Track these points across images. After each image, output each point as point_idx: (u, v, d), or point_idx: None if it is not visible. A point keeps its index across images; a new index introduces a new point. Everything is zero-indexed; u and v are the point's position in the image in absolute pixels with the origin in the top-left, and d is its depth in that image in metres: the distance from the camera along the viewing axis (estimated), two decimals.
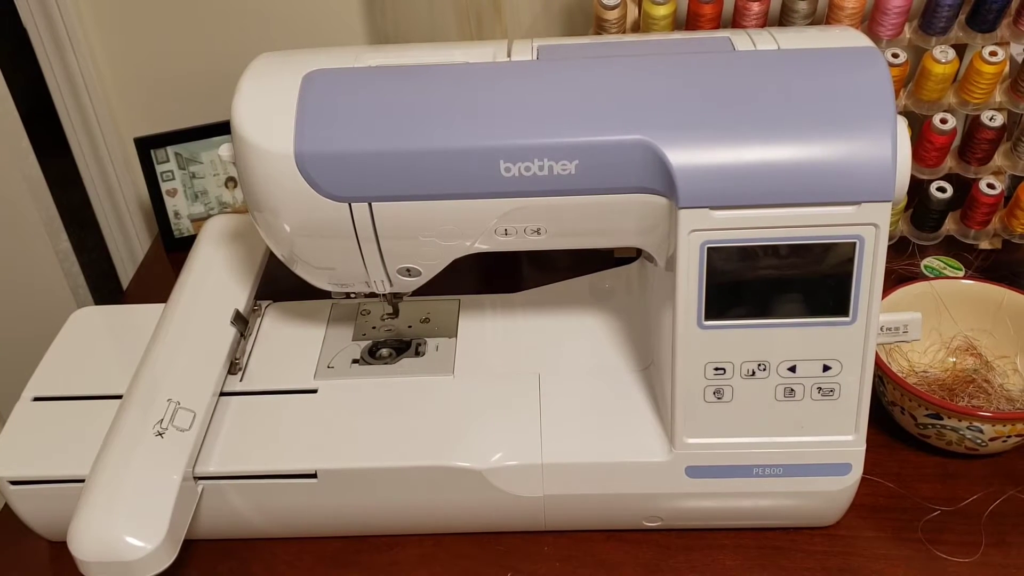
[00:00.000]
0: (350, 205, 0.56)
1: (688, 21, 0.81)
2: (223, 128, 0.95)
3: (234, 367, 0.68)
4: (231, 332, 0.68)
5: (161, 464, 0.59)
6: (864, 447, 0.60)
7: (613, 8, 0.79)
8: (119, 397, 0.64)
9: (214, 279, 0.72)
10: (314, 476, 0.61)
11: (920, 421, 0.66)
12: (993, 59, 0.78)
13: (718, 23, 0.81)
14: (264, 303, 0.75)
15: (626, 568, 0.63)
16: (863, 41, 0.55)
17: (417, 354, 0.69)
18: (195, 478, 0.61)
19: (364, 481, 0.62)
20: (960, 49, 0.81)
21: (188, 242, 0.81)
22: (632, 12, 0.82)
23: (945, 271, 0.84)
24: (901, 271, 0.84)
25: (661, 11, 0.78)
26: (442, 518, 0.65)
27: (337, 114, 0.54)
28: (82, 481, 0.58)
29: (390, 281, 0.62)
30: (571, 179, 0.54)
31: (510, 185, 0.54)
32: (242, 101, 0.56)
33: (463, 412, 0.64)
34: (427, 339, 0.70)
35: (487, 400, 0.65)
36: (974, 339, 0.74)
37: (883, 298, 0.65)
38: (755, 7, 0.79)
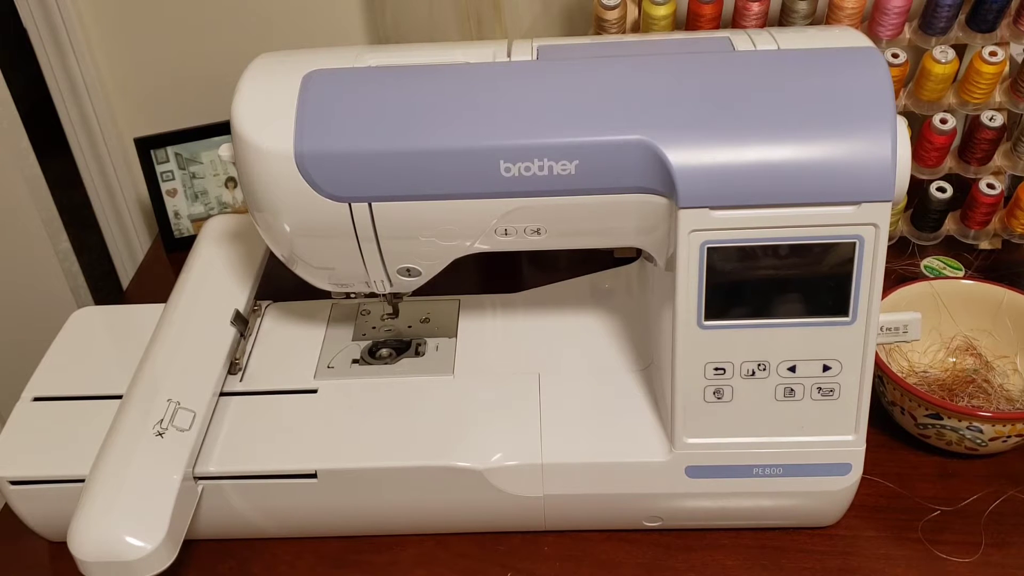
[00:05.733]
0: (350, 205, 0.56)
1: (688, 21, 0.81)
2: (223, 128, 0.95)
3: (234, 367, 0.68)
4: (231, 332, 0.68)
5: (161, 464, 0.59)
6: (864, 447, 0.60)
7: (613, 8, 0.79)
8: (119, 397, 0.64)
9: (214, 279, 0.72)
10: (314, 476, 0.61)
11: (920, 421, 0.66)
12: (993, 59, 0.78)
13: (718, 23, 0.81)
14: (264, 303, 0.75)
15: (626, 568, 0.63)
16: (863, 41, 0.55)
17: (417, 354, 0.69)
18: (195, 478, 0.61)
19: (364, 481, 0.62)
20: (960, 49, 0.81)
21: (188, 242, 0.81)
22: (632, 12, 0.82)
23: (945, 271, 0.84)
24: (901, 271, 0.84)
25: (661, 11, 0.78)
26: (442, 518, 0.65)
27: (337, 114, 0.54)
28: (82, 481, 0.58)
29: (390, 281, 0.62)
30: (571, 179, 0.54)
31: (510, 185, 0.54)
32: (242, 101, 0.56)
33: (463, 412, 0.64)
34: (427, 339, 0.70)
35: (487, 400, 0.65)
36: (974, 339, 0.74)
37: (883, 298, 0.65)
38: (755, 7, 0.79)
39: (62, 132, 0.97)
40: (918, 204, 0.85)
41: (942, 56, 0.79)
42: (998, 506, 0.65)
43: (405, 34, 0.90)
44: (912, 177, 0.66)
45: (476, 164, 0.53)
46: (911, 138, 0.72)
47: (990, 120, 0.80)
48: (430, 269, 0.62)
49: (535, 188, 0.54)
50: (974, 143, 0.82)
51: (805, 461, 0.60)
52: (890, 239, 0.85)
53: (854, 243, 0.53)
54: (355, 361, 0.69)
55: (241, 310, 0.70)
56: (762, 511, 0.63)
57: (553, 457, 0.61)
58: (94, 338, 0.73)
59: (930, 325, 0.74)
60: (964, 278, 0.77)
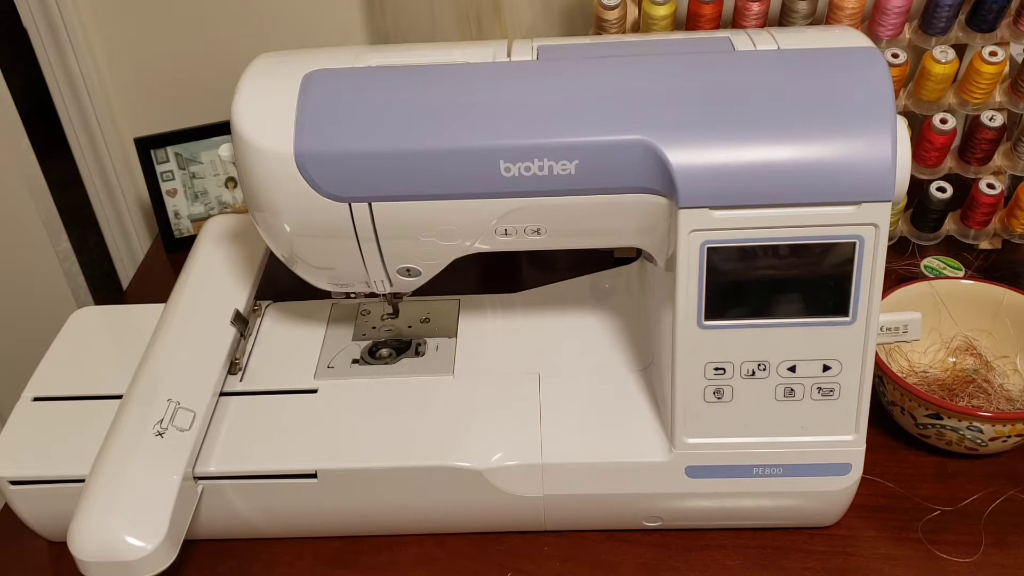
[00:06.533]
0: (350, 205, 0.56)
1: (688, 21, 0.81)
2: (223, 128, 0.95)
3: (234, 367, 0.68)
4: (231, 332, 0.68)
5: (161, 464, 0.59)
6: (864, 447, 0.60)
7: (613, 8, 0.79)
8: (119, 397, 0.64)
9: (214, 279, 0.72)
10: (314, 476, 0.61)
11: (920, 421, 0.66)
12: (993, 59, 0.78)
13: (718, 23, 0.81)
14: (264, 303, 0.75)
15: (626, 568, 0.63)
16: (863, 41, 0.55)
17: (417, 354, 0.69)
18: (195, 478, 0.61)
19: (364, 481, 0.62)
20: (960, 49, 0.81)
21: (188, 242, 0.81)
22: (632, 12, 0.82)
23: (945, 271, 0.84)
24: (901, 271, 0.84)
25: (661, 11, 0.78)
26: (442, 518, 0.65)
27: (337, 114, 0.54)
28: (82, 481, 0.58)
29: (390, 281, 0.62)
30: (571, 179, 0.54)
31: (510, 185, 0.54)
32: (242, 101, 0.56)
33: (463, 412, 0.64)
34: (427, 339, 0.70)
35: (487, 400, 0.65)
36: (974, 339, 0.74)
37: (883, 298, 0.65)
38: (755, 7, 0.79)
39: (62, 132, 0.97)
40: (918, 204, 0.85)
41: (942, 56, 0.79)
42: (998, 506, 0.65)
43: (405, 34, 0.90)
44: (912, 177, 0.66)
45: (476, 164, 0.53)
46: (911, 138, 0.72)
47: (990, 120, 0.80)
48: (430, 269, 0.62)
49: (535, 188, 0.54)
50: (974, 143, 0.82)
51: (805, 461, 0.60)
52: (890, 239, 0.85)
53: (854, 243, 0.53)
54: (355, 361, 0.69)
55: (241, 310, 0.70)
56: (762, 511, 0.63)
57: (553, 457, 0.61)
58: (94, 338, 0.73)
59: (930, 325, 0.74)
60: (964, 278, 0.77)
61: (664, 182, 0.53)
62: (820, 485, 0.61)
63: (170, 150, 0.95)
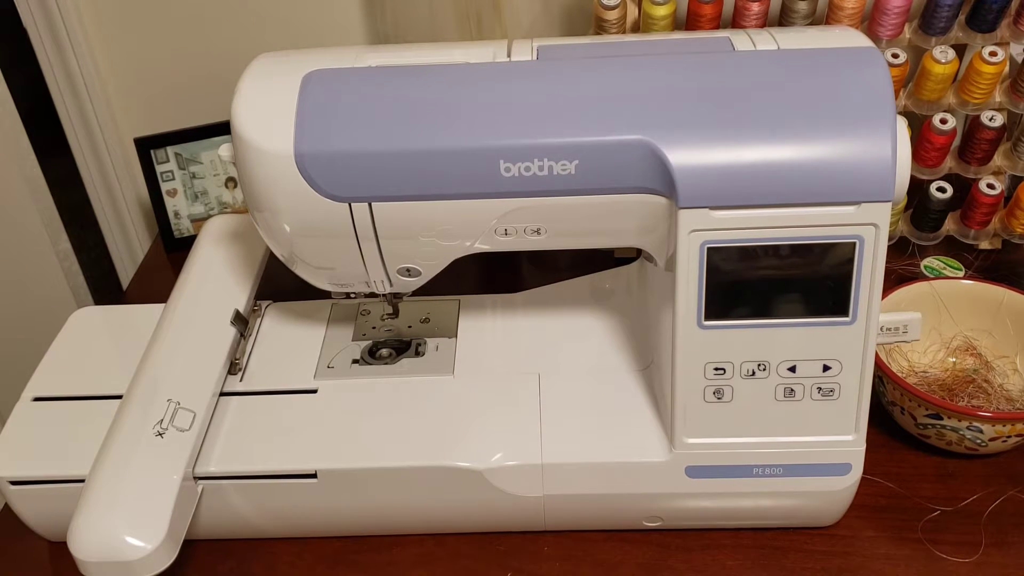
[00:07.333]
0: (350, 205, 0.56)
1: (688, 21, 0.81)
2: (223, 128, 0.95)
3: (234, 367, 0.68)
4: (231, 332, 0.68)
5: (161, 464, 0.59)
6: (864, 447, 0.60)
7: (613, 8, 0.79)
8: (119, 397, 0.64)
9: (214, 279, 0.72)
10: (314, 476, 0.61)
11: (920, 421, 0.66)
12: (993, 59, 0.78)
13: (718, 23, 0.81)
14: (264, 303, 0.75)
15: (626, 568, 0.63)
16: (863, 41, 0.55)
17: (417, 354, 0.69)
18: (195, 478, 0.61)
19: (364, 481, 0.62)
20: (960, 49, 0.81)
21: (188, 242, 0.81)
22: (632, 12, 0.82)
23: (945, 271, 0.84)
24: (901, 271, 0.84)
25: (661, 11, 0.78)
26: (442, 518, 0.65)
27: (337, 114, 0.54)
28: (82, 481, 0.58)
29: (390, 281, 0.62)
30: (571, 179, 0.54)
31: (510, 185, 0.54)
32: (242, 101, 0.56)
33: (463, 412, 0.64)
34: (427, 339, 0.70)
35: (487, 400, 0.65)
36: (974, 339, 0.74)
37: (883, 298, 0.65)
38: (755, 7, 0.79)
39: (62, 132, 0.97)
40: (918, 204, 0.85)
41: (942, 56, 0.79)
42: (998, 506, 0.65)
43: (405, 34, 0.90)
44: (912, 177, 0.66)
45: (476, 164, 0.53)
46: (911, 138, 0.72)
47: (990, 120, 0.80)
48: (430, 269, 0.62)
49: (535, 188, 0.54)
50: (974, 143, 0.82)
51: (805, 461, 0.60)
52: (890, 239, 0.86)
53: (854, 243, 0.53)
54: (355, 361, 0.69)
55: (241, 310, 0.70)
56: (762, 511, 0.63)
57: (553, 457, 0.61)
58: (94, 338, 0.73)
59: (930, 325, 0.74)
60: (964, 278, 0.77)
61: (664, 182, 0.53)
62: (820, 485, 0.61)
63: (170, 150, 0.95)
